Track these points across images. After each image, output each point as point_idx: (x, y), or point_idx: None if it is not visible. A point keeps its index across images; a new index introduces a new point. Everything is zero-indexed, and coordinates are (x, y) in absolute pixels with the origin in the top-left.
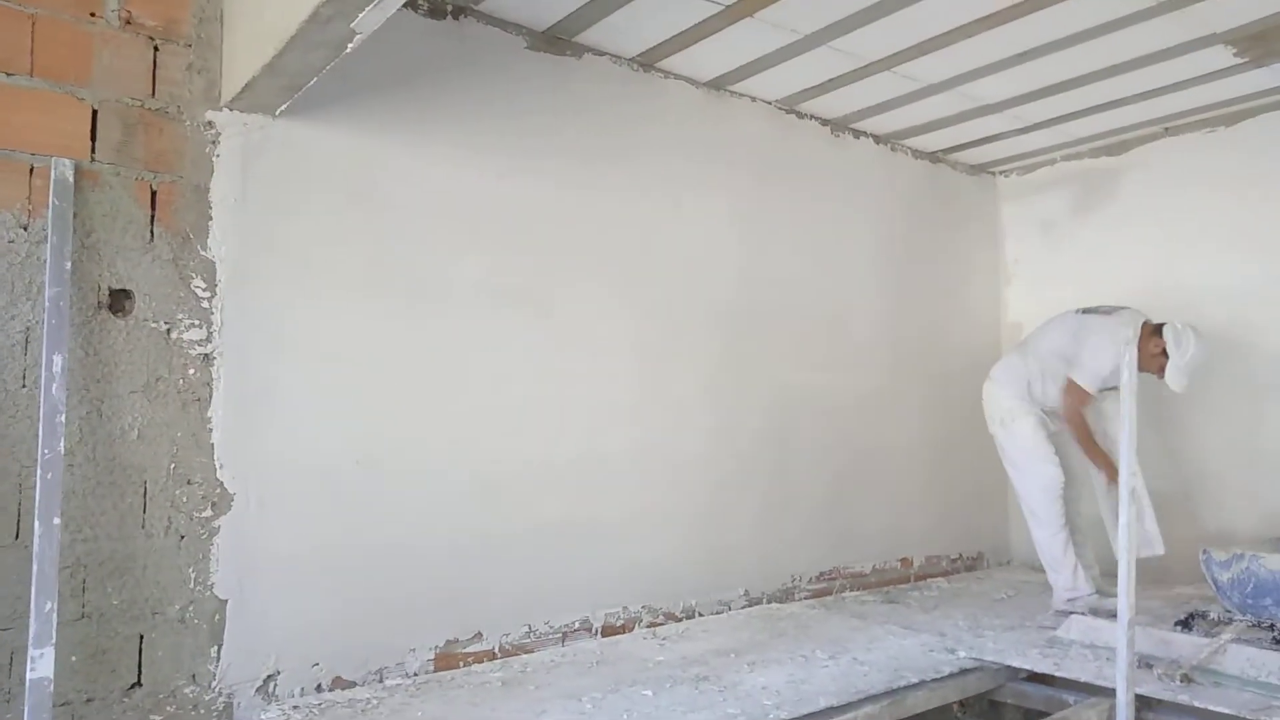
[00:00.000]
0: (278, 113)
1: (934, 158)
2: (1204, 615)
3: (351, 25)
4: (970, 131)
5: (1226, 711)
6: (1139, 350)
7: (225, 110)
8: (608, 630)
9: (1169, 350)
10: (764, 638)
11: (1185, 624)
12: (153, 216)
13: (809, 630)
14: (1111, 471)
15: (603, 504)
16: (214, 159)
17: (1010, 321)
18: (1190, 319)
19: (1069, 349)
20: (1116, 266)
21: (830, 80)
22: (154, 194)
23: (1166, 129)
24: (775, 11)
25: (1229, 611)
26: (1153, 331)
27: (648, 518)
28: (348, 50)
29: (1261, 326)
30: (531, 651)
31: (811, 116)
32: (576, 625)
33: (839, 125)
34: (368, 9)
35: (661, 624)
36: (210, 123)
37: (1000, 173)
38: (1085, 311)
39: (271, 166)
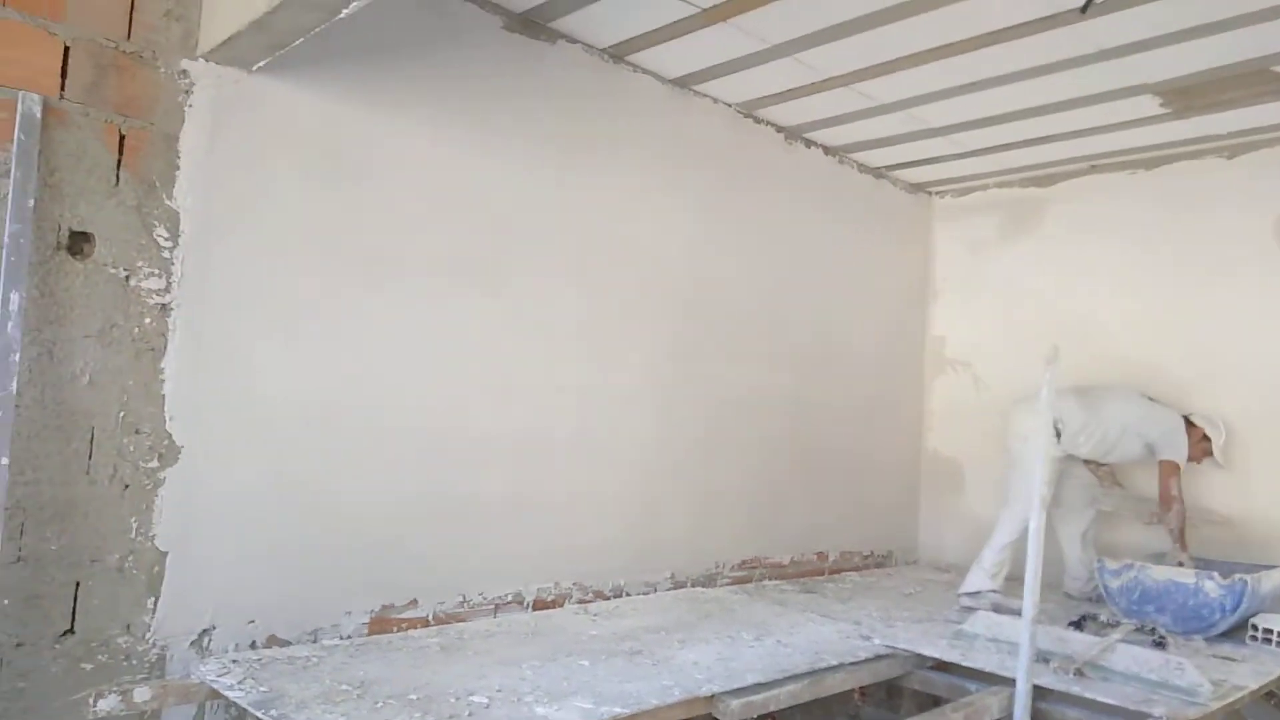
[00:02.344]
0: (255, 68)
1: (877, 173)
2: (1095, 617)
3: None
4: (913, 151)
5: (1113, 702)
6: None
7: (201, 61)
8: (539, 604)
9: (1210, 435)
10: (692, 618)
11: (1078, 624)
12: (119, 161)
13: (734, 613)
14: (1184, 546)
15: (543, 482)
16: (186, 109)
17: (934, 335)
18: (1097, 343)
19: (1144, 429)
20: (1036, 290)
21: (790, 90)
22: (122, 138)
23: (1092, 166)
24: (748, 19)
25: (1116, 615)
26: (1189, 425)
27: (585, 498)
28: (342, 15)
29: (1155, 355)
30: (464, 620)
31: (768, 123)
32: (509, 598)
33: (793, 134)
34: None
35: (591, 601)
36: (185, 71)
37: (936, 193)
38: (1149, 399)
39: (243, 122)
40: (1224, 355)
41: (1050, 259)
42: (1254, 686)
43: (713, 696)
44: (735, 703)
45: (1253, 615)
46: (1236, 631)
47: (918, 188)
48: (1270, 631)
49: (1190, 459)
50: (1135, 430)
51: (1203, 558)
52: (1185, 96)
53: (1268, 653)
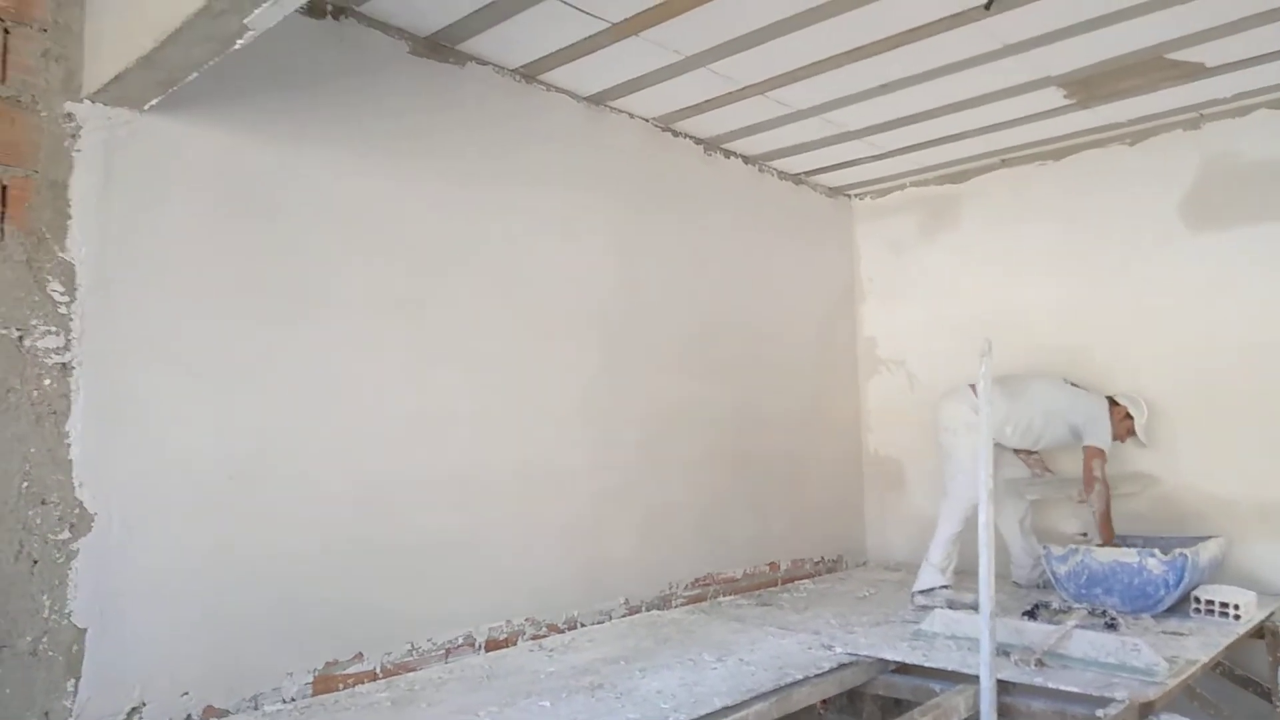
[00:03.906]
0: (147, 107)
1: (797, 179)
2: (1046, 605)
3: (245, 21)
4: (831, 156)
5: (1076, 690)
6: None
7: (87, 102)
8: (492, 645)
9: (1132, 414)
10: (650, 644)
11: (1031, 614)
12: (3, 214)
13: (692, 635)
14: (1108, 536)
15: (484, 517)
16: (74, 154)
17: (866, 335)
18: (1023, 332)
19: (1068, 414)
20: (960, 284)
21: (707, 101)
22: (3, 189)
23: (1003, 160)
24: (660, 32)
25: (1066, 600)
26: (1112, 405)
27: (529, 530)
28: (235, 47)
29: (1079, 339)
30: (415, 670)
31: (686, 135)
32: (460, 641)
33: (711, 145)
34: (264, 5)
35: (545, 636)
36: (70, 114)
37: (856, 195)
38: (1072, 384)
39: (138, 164)
40: (1141, 334)
41: (970, 253)
42: (1205, 659)
43: None
44: None
45: (1194, 588)
46: (1181, 605)
47: (837, 191)
48: (1212, 603)
49: (1115, 438)
50: (1060, 416)
51: (1141, 534)
52: (1087, 87)
53: (1212, 624)
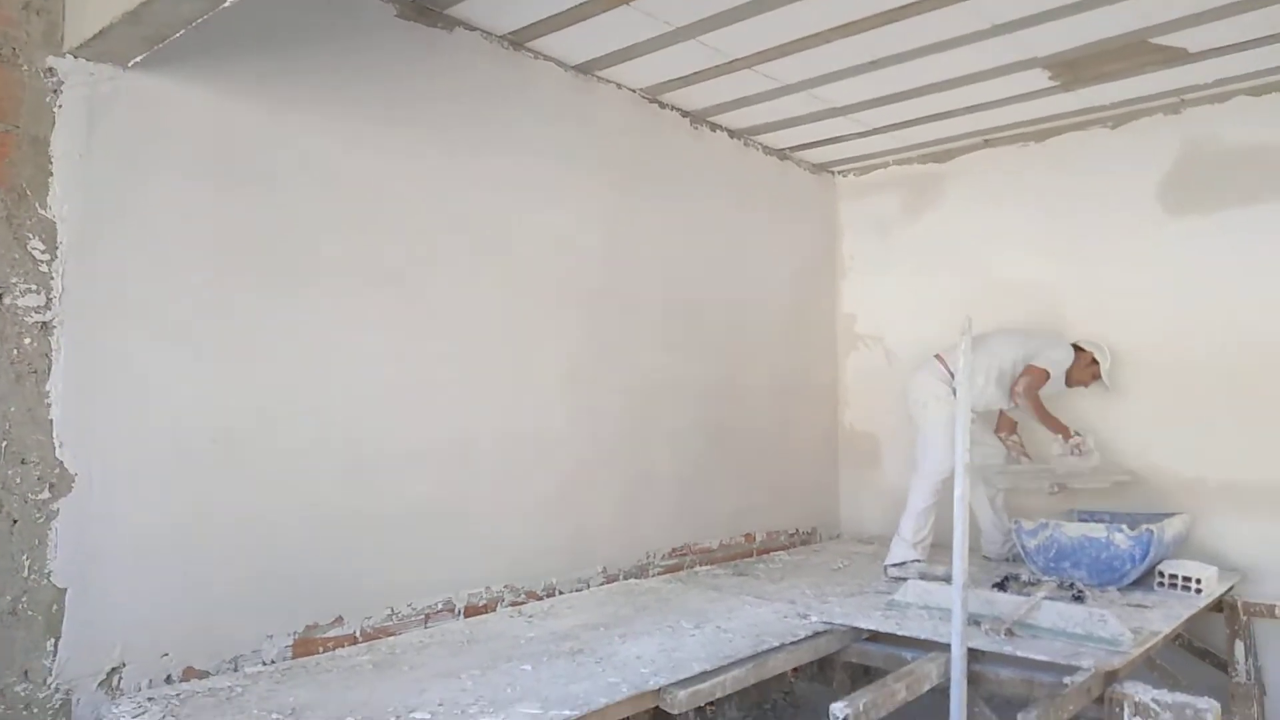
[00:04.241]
0: (131, 64)
1: (781, 155)
2: (1016, 578)
3: None
4: (816, 132)
5: (1044, 659)
6: (1070, 367)
7: (69, 57)
8: (471, 610)
9: (1097, 359)
10: (628, 612)
11: (1001, 585)
12: None
13: (670, 603)
14: (1066, 433)
15: (466, 485)
16: (55, 109)
17: (845, 312)
18: (1002, 311)
19: (1019, 353)
20: (941, 263)
21: (695, 73)
22: None
23: (986, 141)
24: (651, 2)
25: (1035, 573)
26: (1073, 350)
27: (512, 499)
28: (225, 4)
29: (1064, 314)
30: (395, 634)
31: (673, 107)
32: (440, 606)
33: (698, 118)
34: None
35: (524, 603)
36: (51, 69)
37: (839, 172)
38: (1028, 334)
39: (122, 121)
40: (1118, 314)
41: (951, 232)
42: (1167, 630)
43: (660, 689)
44: (682, 693)
45: (1159, 563)
46: (1145, 579)
47: (821, 168)
48: (1175, 577)
49: (1079, 382)
50: (1021, 357)
51: (1109, 510)
52: (1072, 69)
53: (1174, 597)
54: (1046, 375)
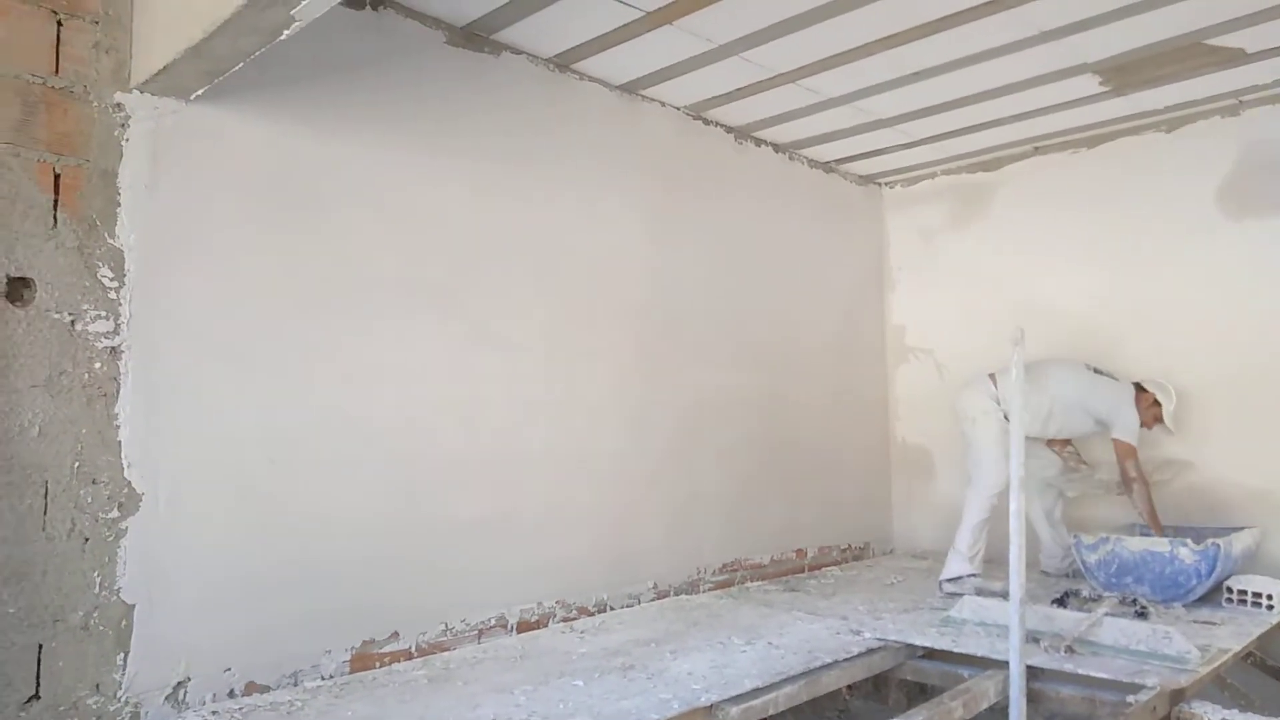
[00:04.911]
0: (193, 97)
1: (827, 168)
2: (1076, 593)
3: (291, 12)
4: (861, 144)
5: (1106, 677)
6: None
7: (135, 92)
8: (523, 626)
9: (1160, 401)
10: (680, 627)
11: (1061, 601)
12: (56, 201)
13: (721, 619)
14: (1159, 530)
15: (517, 502)
16: (123, 143)
17: (894, 324)
18: (1054, 322)
19: (1088, 402)
20: (990, 274)
21: (738, 89)
22: (57, 177)
23: (1036, 149)
24: (694, 20)
25: (1096, 589)
26: (1135, 390)
27: (562, 515)
28: (282, 37)
29: (1112, 329)
30: (449, 650)
31: (717, 124)
32: (493, 622)
33: (742, 133)
34: None
35: (575, 618)
36: (119, 105)
37: (886, 184)
38: (1095, 370)
39: (185, 153)
40: (1176, 324)
41: (1001, 242)
42: (1237, 648)
43: (712, 706)
44: (735, 710)
45: (1226, 578)
46: (1212, 595)
47: (867, 179)
48: (1245, 593)
49: (1142, 425)
50: (1078, 404)
51: (1174, 524)
52: (1123, 73)
53: (1244, 614)
54: (1136, 450)
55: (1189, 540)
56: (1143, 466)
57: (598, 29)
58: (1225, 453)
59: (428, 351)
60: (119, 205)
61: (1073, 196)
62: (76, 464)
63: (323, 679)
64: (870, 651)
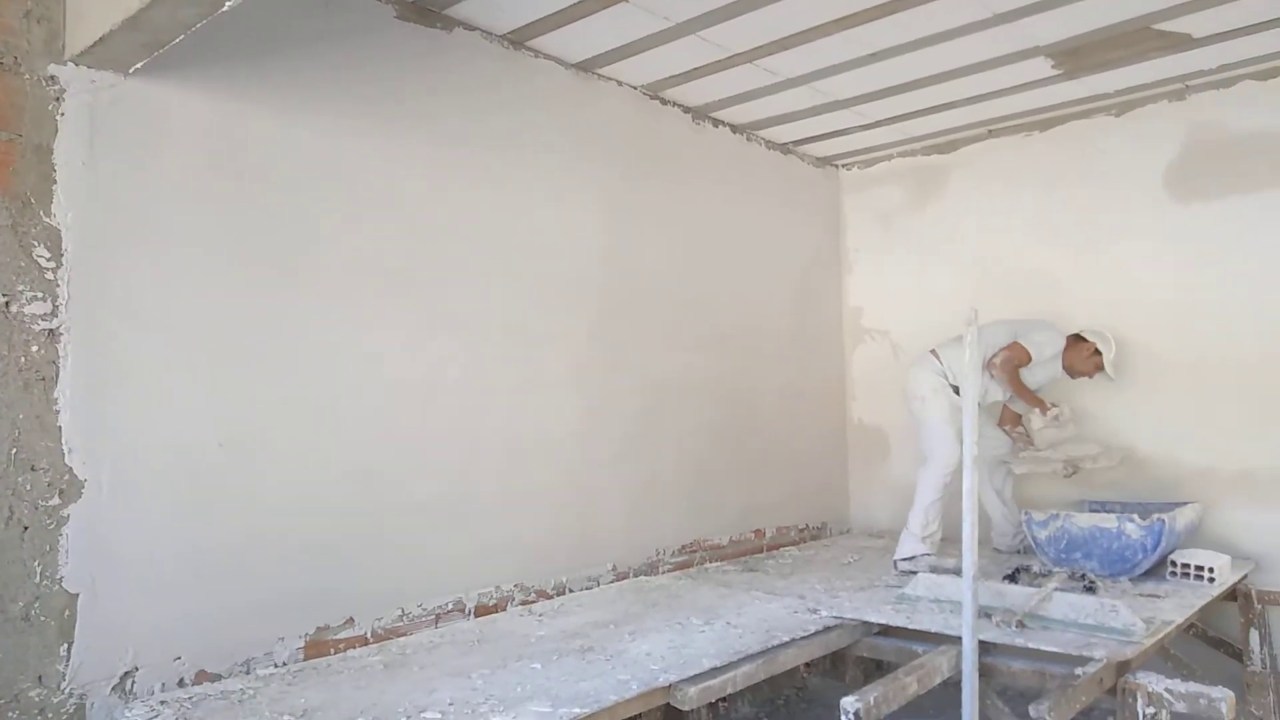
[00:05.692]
0: (131, 70)
1: (785, 149)
2: (1027, 569)
3: None
4: (819, 125)
5: (1056, 650)
6: (1072, 357)
7: (70, 65)
8: (481, 610)
9: (1101, 349)
10: (638, 609)
11: (1012, 577)
12: None
13: (680, 599)
14: (1043, 407)
15: (476, 485)
16: (58, 117)
17: (851, 306)
18: (1008, 302)
19: (1006, 340)
20: (945, 255)
21: (695, 69)
22: None
23: (990, 131)
24: None
25: (1046, 565)
26: (1076, 340)
27: (520, 498)
28: (224, 9)
29: (1070, 305)
30: (405, 635)
31: (675, 104)
32: (450, 606)
33: (700, 113)
34: None
35: (534, 601)
36: (53, 77)
37: (843, 165)
38: (1020, 322)
39: (124, 128)
40: (1125, 303)
41: (956, 223)
42: (1180, 620)
43: (670, 686)
44: (693, 689)
45: (1170, 552)
46: (1157, 569)
47: (824, 161)
48: (1188, 566)
49: (1082, 373)
50: (1002, 343)
51: (1119, 500)
52: (1075, 57)
53: (1187, 587)
54: (1027, 355)
55: (1135, 516)
56: (1087, 450)
57: (552, 5)
58: (1170, 430)
59: (383, 333)
60: (55, 182)
61: (1026, 178)
62: (14, 450)
63: (276, 666)
64: (827, 630)
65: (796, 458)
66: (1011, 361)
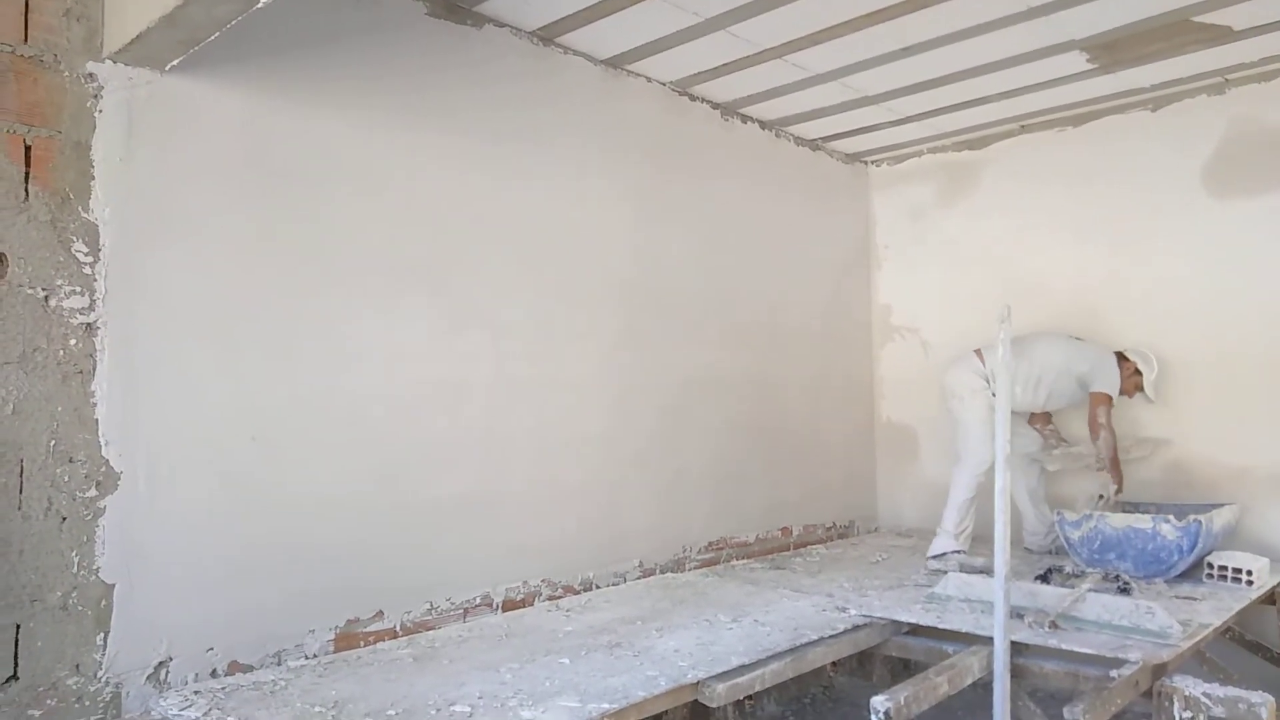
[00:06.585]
0: (167, 68)
1: (814, 145)
2: (1060, 570)
3: None
4: (848, 121)
5: (1089, 651)
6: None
7: (109, 62)
8: (509, 605)
9: (1141, 369)
10: (666, 605)
11: (1044, 578)
12: (27, 174)
13: (707, 596)
14: (1119, 482)
15: (504, 481)
16: (96, 114)
17: (880, 303)
18: (1040, 299)
19: (1063, 365)
20: (976, 253)
21: (724, 65)
22: (28, 149)
23: (1022, 126)
24: None
25: (1079, 565)
26: (1118, 358)
27: (548, 494)
28: (259, 5)
29: (1099, 303)
30: (434, 628)
31: (703, 100)
32: (478, 601)
33: (728, 109)
34: None
35: (561, 597)
36: (92, 74)
37: (872, 162)
38: (1075, 338)
39: (160, 124)
40: (1160, 301)
41: (987, 220)
42: (1217, 624)
43: (699, 683)
44: (721, 687)
45: (1207, 554)
46: (1193, 571)
47: (853, 158)
48: (1225, 568)
49: (1122, 392)
50: (1065, 369)
51: (1154, 501)
52: (1111, 51)
53: (1224, 589)
54: (1110, 400)
55: (1171, 517)
56: (1121, 442)
57: (582, 1)
58: (1206, 430)
59: (412, 330)
60: (93, 178)
61: (1059, 175)
62: (53, 442)
63: (306, 658)
64: (855, 628)
65: (824, 455)
66: (1110, 415)
